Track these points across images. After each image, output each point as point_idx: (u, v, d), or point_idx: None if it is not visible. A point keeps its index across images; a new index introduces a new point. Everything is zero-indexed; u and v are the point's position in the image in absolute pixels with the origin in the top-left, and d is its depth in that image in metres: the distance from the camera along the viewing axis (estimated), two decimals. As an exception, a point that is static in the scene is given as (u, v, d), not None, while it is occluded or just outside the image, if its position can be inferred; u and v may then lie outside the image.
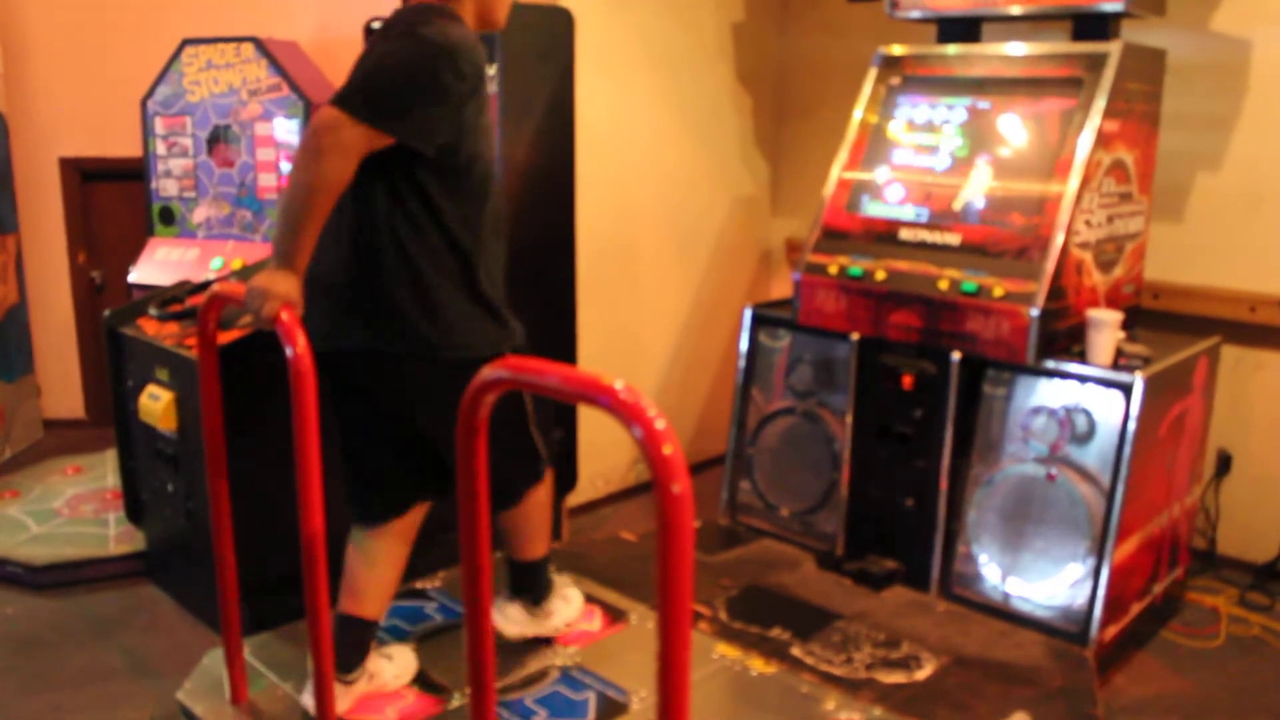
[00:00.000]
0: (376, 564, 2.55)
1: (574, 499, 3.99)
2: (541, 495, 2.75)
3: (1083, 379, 2.96)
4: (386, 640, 2.78)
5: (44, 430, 5.10)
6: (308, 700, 2.50)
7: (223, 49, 4.38)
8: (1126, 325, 3.05)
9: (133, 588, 3.51)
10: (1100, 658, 2.88)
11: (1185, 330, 3.39)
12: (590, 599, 3.08)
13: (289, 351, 2.11)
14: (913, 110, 3.42)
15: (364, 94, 2.19)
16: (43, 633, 3.23)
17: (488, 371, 1.63)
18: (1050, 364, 2.99)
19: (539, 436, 2.66)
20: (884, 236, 3.29)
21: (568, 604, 2.91)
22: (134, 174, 4.66)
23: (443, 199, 2.33)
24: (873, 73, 3.53)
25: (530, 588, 2.82)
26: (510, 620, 2.82)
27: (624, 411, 1.37)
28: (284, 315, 2.14)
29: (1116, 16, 3.15)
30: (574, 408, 3.71)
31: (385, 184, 2.30)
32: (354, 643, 2.52)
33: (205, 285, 3.55)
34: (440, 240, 2.34)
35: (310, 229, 2.18)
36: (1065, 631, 2.94)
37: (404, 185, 2.30)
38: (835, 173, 3.46)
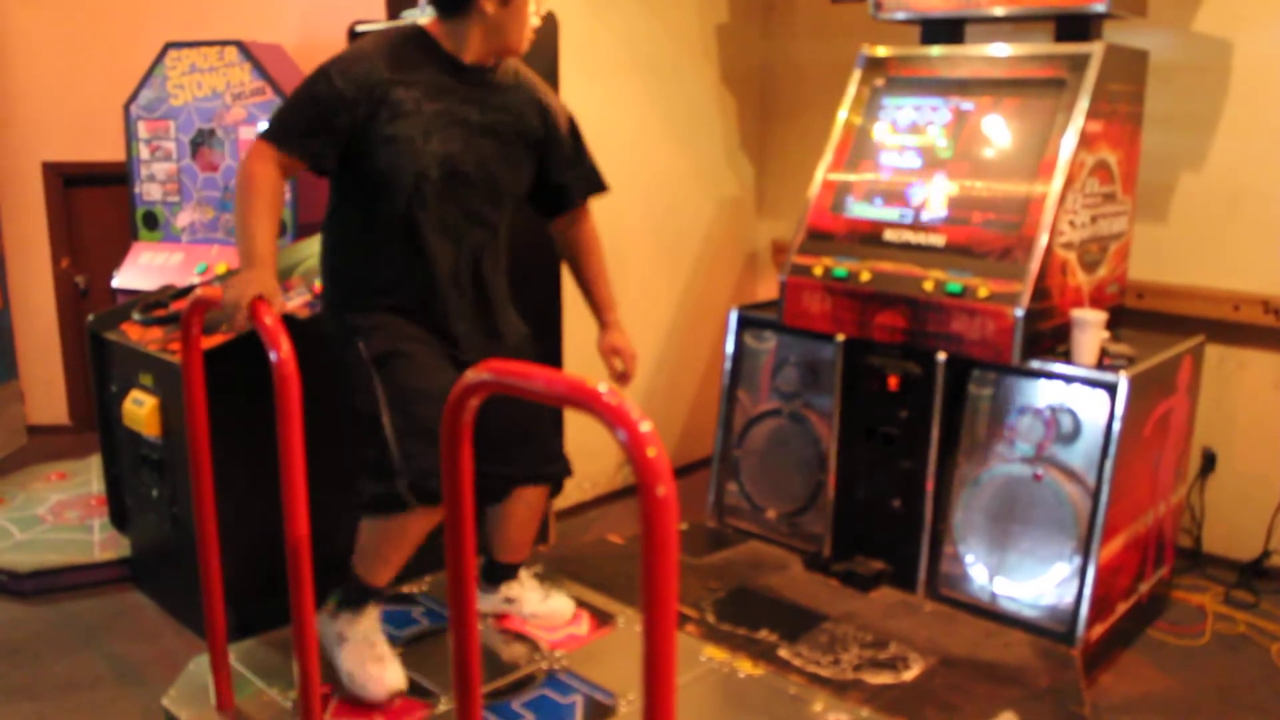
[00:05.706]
0: None
1: (561, 502, 3.99)
2: (393, 526, 2.48)
3: (1068, 379, 2.97)
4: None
5: (27, 436, 5.06)
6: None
7: (206, 52, 4.37)
8: (1111, 325, 3.06)
9: (117, 594, 3.49)
10: (1087, 657, 2.89)
11: (1169, 330, 3.41)
12: (579, 602, 3.07)
13: (273, 356, 2.10)
14: (897, 111, 3.43)
15: (275, 115, 2.46)
16: (26, 640, 3.21)
17: (471, 375, 1.62)
18: (1035, 364, 3.00)
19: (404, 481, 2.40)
20: (868, 238, 3.30)
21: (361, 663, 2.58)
22: (117, 178, 4.64)
23: (351, 203, 2.53)
24: (857, 74, 3.54)
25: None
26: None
27: (608, 415, 1.37)
28: (267, 319, 2.14)
29: (1099, 17, 3.17)
30: (562, 410, 3.70)
31: (331, 187, 2.59)
32: None
33: (189, 290, 3.54)
34: (343, 241, 2.58)
35: (254, 221, 2.32)
36: (1052, 631, 2.94)
37: (334, 189, 2.57)
38: (820, 174, 3.47)
